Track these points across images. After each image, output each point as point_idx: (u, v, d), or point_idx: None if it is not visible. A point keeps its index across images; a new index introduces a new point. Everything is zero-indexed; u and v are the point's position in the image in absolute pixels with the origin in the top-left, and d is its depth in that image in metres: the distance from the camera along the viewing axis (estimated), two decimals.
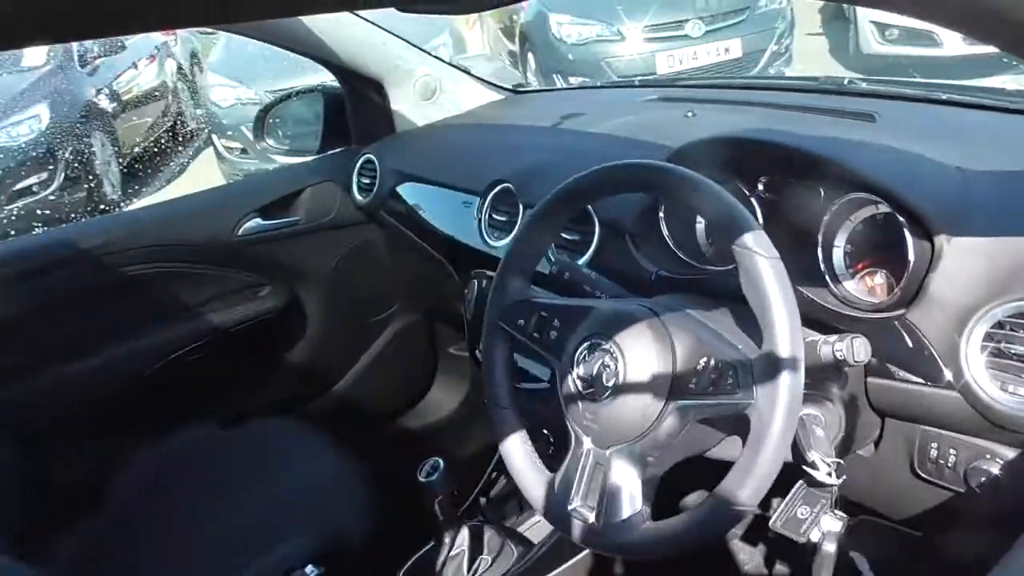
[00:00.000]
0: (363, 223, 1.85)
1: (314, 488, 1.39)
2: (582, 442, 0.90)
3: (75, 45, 5.52)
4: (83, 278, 1.60)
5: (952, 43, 5.31)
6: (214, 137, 5.77)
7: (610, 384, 0.85)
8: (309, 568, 1.15)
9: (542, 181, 1.31)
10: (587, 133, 1.43)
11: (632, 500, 0.85)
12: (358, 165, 1.81)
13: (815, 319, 0.92)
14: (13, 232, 4.95)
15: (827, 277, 0.95)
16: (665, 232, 1.12)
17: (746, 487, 0.73)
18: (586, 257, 1.17)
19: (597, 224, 1.17)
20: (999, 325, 0.81)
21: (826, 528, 0.84)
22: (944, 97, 1.28)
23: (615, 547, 0.85)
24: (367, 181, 1.79)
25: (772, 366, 0.73)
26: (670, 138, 1.27)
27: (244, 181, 1.75)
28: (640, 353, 0.84)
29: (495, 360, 1.01)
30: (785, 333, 0.73)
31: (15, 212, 5.01)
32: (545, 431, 1.19)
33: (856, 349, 0.78)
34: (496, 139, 1.61)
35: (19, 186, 5.06)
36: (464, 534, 1.28)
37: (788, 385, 0.72)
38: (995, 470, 0.86)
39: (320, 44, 1.66)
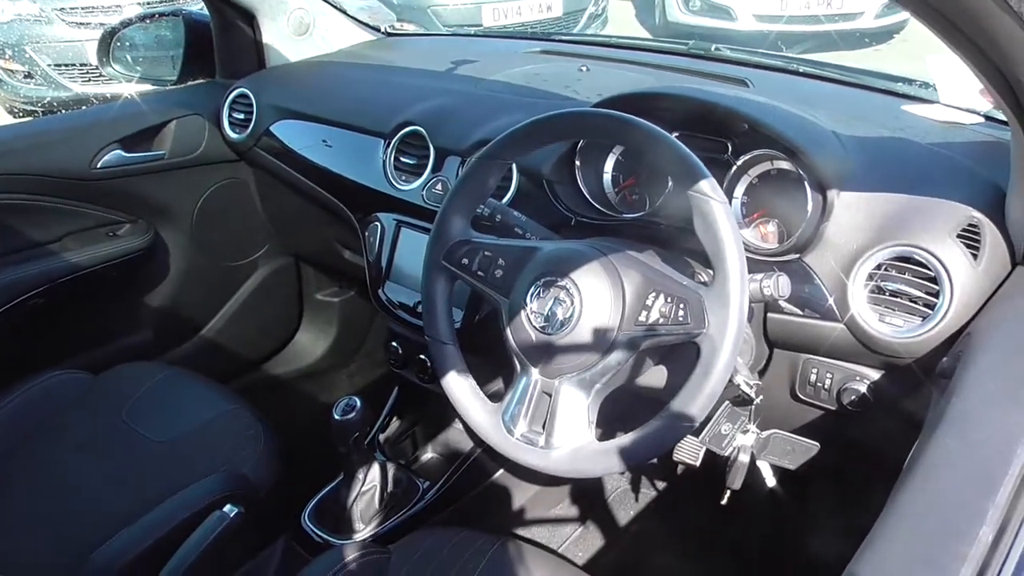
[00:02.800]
0: (232, 160, 1.77)
1: (207, 431, 1.35)
2: (530, 372, 0.97)
3: None
4: None
5: (745, 19, 5.85)
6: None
7: (566, 318, 0.93)
8: (228, 507, 1.13)
9: (454, 125, 1.34)
10: (488, 80, 1.47)
11: (579, 424, 0.93)
12: (230, 99, 1.73)
13: None
14: None
15: None
16: (580, 180, 1.20)
17: (696, 403, 0.84)
18: (505, 200, 1.23)
19: (515, 170, 1.23)
20: (879, 267, 0.98)
21: (742, 442, 0.98)
22: (801, 70, 1.46)
23: (563, 468, 0.93)
24: (240, 116, 1.71)
25: (723, 299, 0.84)
26: (574, 90, 1.35)
27: (102, 109, 1.58)
28: (594, 289, 0.92)
29: (436, 297, 1.05)
30: (736, 269, 0.84)
31: None
32: None
33: (781, 285, 0.91)
34: (389, 80, 1.60)
35: None
36: (375, 470, 1.31)
37: (737, 315, 0.83)
38: (863, 389, 1.03)
39: None
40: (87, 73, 4.78)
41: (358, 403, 1.23)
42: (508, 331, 0.98)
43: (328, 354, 2.05)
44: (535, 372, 0.96)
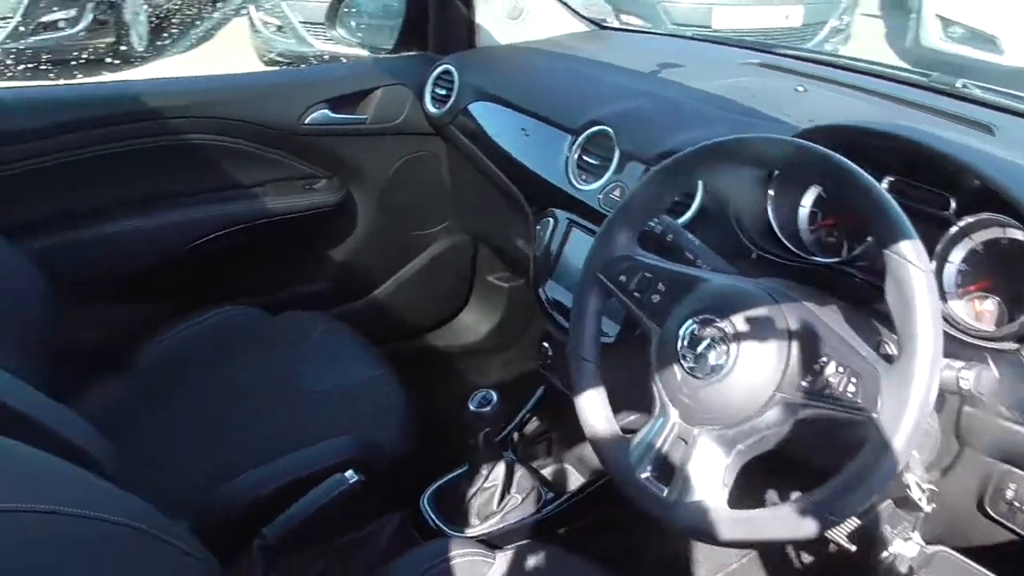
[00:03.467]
0: (429, 134, 1.80)
1: (353, 392, 1.38)
2: (668, 414, 0.89)
3: None
4: (141, 136, 1.55)
5: (1014, 52, 5.20)
6: (251, 9, 5.57)
7: (718, 365, 0.84)
8: (349, 473, 1.14)
9: (644, 130, 1.27)
10: (692, 88, 1.38)
11: (712, 483, 0.84)
12: (435, 74, 1.75)
13: None
14: (29, 65, 4.81)
15: None
16: (771, 212, 1.09)
17: (851, 496, 0.73)
18: (682, 220, 1.14)
19: (700, 189, 1.14)
20: None
21: (900, 551, 0.85)
22: None
23: (686, 526, 0.84)
24: (442, 92, 1.73)
25: (904, 382, 0.72)
26: (786, 112, 1.23)
27: (316, 69, 1.68)
28: (757, 340, 0.82)
29: (587, 311, 0.99)
30: (928, 352, 0.71)
31: (38, 44, 4.85)
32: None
33: (983, 380, 0.77)
34: (590, 75, 1.55)
35: (45, 19, 4.88)
36: (501, 468, 1.28)
37: (919, 403, 0.71)
38: None
39: None
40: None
41: (494, 397, 1.21)
42: (654, 363, 0.91)
43: (488, 337, 2.05)
44: (674, 414, 0.88)
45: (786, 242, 1.08)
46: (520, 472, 1.34)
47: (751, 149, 0.88)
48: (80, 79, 4.76)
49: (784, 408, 0.80)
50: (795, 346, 0.81)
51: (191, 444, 1.27)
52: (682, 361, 0.87)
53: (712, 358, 0.84)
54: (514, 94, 1.58)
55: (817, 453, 0.86)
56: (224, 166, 1.66)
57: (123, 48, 5.23)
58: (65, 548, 0.76)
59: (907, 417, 0.71)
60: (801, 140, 0.86)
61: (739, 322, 0.83)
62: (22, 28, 4.71)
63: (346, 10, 1.99)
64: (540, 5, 1.85)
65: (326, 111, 1.71)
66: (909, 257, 0.73)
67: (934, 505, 0.81)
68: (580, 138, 1.35)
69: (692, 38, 1.96)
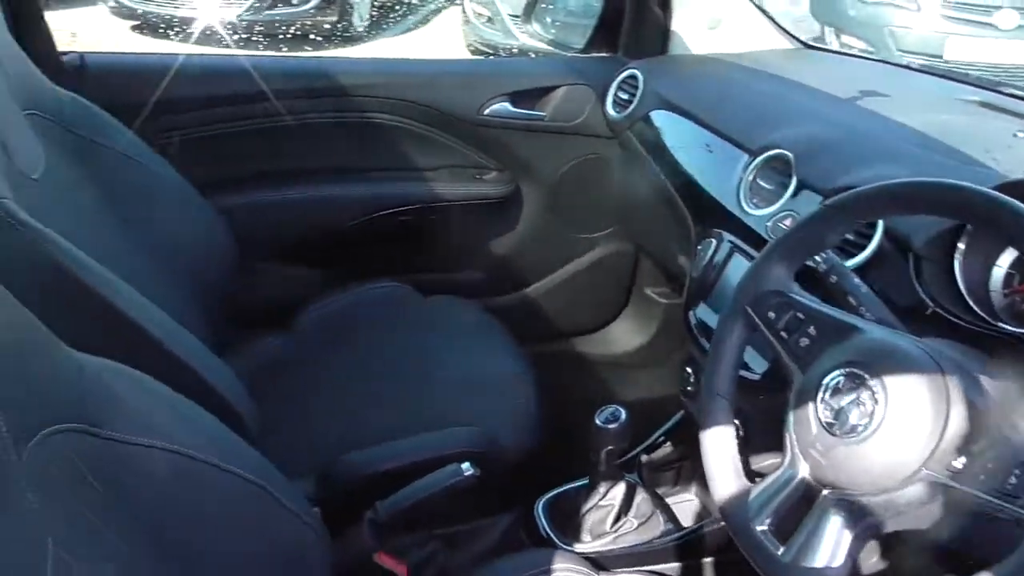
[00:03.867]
0: (606, 137, 1.77)
1: (487, 384, 1.39)
2: (797, 467, 0.81)
3: None
4: (329, 111, 1.64)
5: None
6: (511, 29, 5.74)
7: (859, 425, 0.75)
8: (466, 465, 1.15)
9: (827, 159, 1.18)
10: (893, 121, 1.26)
11: (835, 551, 0.76)
12: (620, 78, 1.72)
13: None
14: (261, 37, 5.24)
15: None
16: (957, 267, 0.97)
17: None
18: (854, 261, 1.04)
19: (880, 231, 1.03)
20: None
21: None
22: None
23: None
24: (624, 96, 1.70)
25: None
26: (996, 158, 1.10)
27: (501, 62, 1.72)
28: (907, 406, 0.73)
29: (727, 344, 0.93)
30: None
31: (271, 17, 5.27)
32: (737, 422, 1.11)
33: None
34: (781, 94, 1.46)
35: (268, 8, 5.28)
36: (620, 489, 1.24)
37: None
38: None
39: None
40: None
41: (623, 415, 1.17)
42: (790, 410, 0.84)
43: (636, 352, 1.99)
44: (804, 469, 0.81)
45: (972, 303, 0.96)
46: (641, 496, 1.29)
47: (937, 196, 0.79)
48: (307, 52, 5.14)
49: (929, 487, 0.71)
50: (954, 422, 0.71)
51: (324, 411, 1.33)
52: (820, 414, 0.79)
53: (854, 417, 0.76)
54: (697, 106, 1.52)
55: (960, 540, 0.75)
56: (402, 147, 1.71)
57: (344, 26, 5.57)
58: (189, 490, 0.81)
59: None
60: (1002, 195, 0.75)
61: (891, 383, 0.75)
62: (259, 2, 5.14)
63: (543, 6, 2.00)
64: (741, 17, 1.77)
65: (506, 104, 1.72)
66: None
67: None
68: (757, 160, 1.27)
69: (907, 67, 1.80)
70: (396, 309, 1.60)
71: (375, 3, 6.10)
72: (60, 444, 0.68)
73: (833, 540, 0.77)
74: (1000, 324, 0.91)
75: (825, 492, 0.78)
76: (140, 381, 0.81)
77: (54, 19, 1.50)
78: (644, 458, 1.40)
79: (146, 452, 0.76)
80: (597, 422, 1.17)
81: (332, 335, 1.54)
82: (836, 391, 0.78)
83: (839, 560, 0.76)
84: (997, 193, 0.76)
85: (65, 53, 1.49)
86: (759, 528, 0.82)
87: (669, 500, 1.38)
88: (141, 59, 1.62)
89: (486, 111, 1.71)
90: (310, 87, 1.61)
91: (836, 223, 0.88)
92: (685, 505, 1.39)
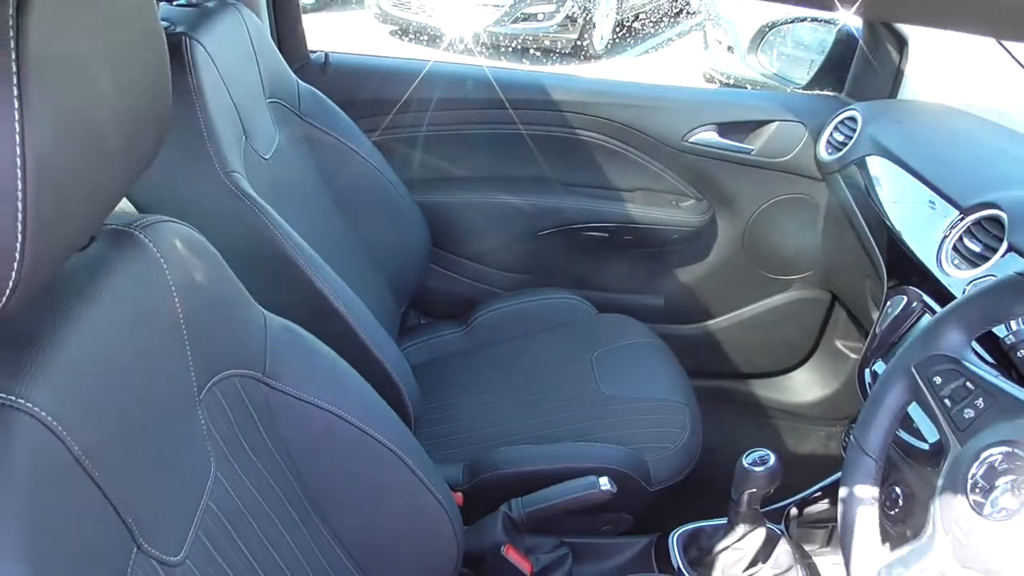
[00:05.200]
0: (814, 179, 1.71)
1: (646, 408, 1.40)
2: (935, 543, 0.76)
3: None
4: (537, 124, 1.72)
5: None
6: (708, 25, 5.72)
7: (1008, 507, 0.69)
8: (604, 480, 1.17)
9: None
10: None
11: None
12: (838, 118, 1.65)
13: None
14: (510, 48, 5.51)
15: None
16: None
17: None
18: None
19: None
20: None
21: None
22: None
23: None
24: (839, 138, 1.62)
25: None
26: None
27: (715, 91, 1.70)
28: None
29: (886, 404, 0.88)
30: None
31: (516, 32, 5.55)
32: (897, 489, 1.03)
33: None
34: (1012, 152, 1.34)
35: (527, 11, 5.57)
36: (758, 536, 1.20)
37: None
38: None
39: None
40: None
41: (771, 460, 1.13)
42: (940, 482, 0.78)
43: (815, 404, 1.89)
44: (943, 546, 0.75)
45: None
46: (782, 548, 1.23)
47: None
48: (547, 66, 5.36)
49: None
50: None
51: (481, 405, 1.40)
52: (970, 490, 0.73)
53: (1005, 499, 0.70)
54: (913, 155, 1.42)
55: None
56: (603, 165, 1.76)
57: (585, 45, 5.73)
58: (336, 448, 0.90)
59: None
60: None
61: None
62: (506, 16, 5.43)
63: (771, 39, 1.96)
64: (990, 64, 1.63)
65: (713, 134, 1.71)
66: None
67: None
68: (967, 219, 1.18)
69: None
70: (569, 319, 1.64)
71: (618, 24, 6.22)
72: (236, 386, 0.80)
73: None
74: None
75: (961, 569, 0.72)
76: (312, 344, 0.92)
77: (326, 20, 1.71)
78: (794, 511, 1.34)
79: (305, 407, 0.87)
80: (743, 462, 1.14)
81: (503, 335, 1.62)
82: (992, 469, 0.72)
83: None
84: None
85: (313, 52, 1.69)
86: None
87: (815, 559, 1.31)
88: (373, 61, 1.79)
89: (692, 139, 1.71)
90: (521, 99, 1.69)
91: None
92: (833, 568, 1.31)
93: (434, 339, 1.62)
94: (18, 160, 0.45)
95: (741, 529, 1.19)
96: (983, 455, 0.74)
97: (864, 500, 0.86)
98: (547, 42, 5.61)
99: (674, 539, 1.29)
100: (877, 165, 1.51)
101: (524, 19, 5.49)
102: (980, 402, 0.79)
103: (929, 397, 0.84)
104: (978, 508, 0.72)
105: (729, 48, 5.39)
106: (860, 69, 1.71)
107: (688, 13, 7.10)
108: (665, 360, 1.55)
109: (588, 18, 5.78)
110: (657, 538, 1.30)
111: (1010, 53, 1.62)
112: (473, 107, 1.67)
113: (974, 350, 0.85)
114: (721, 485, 1.26)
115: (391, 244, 1.57)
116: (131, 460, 0.63)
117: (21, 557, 0.47)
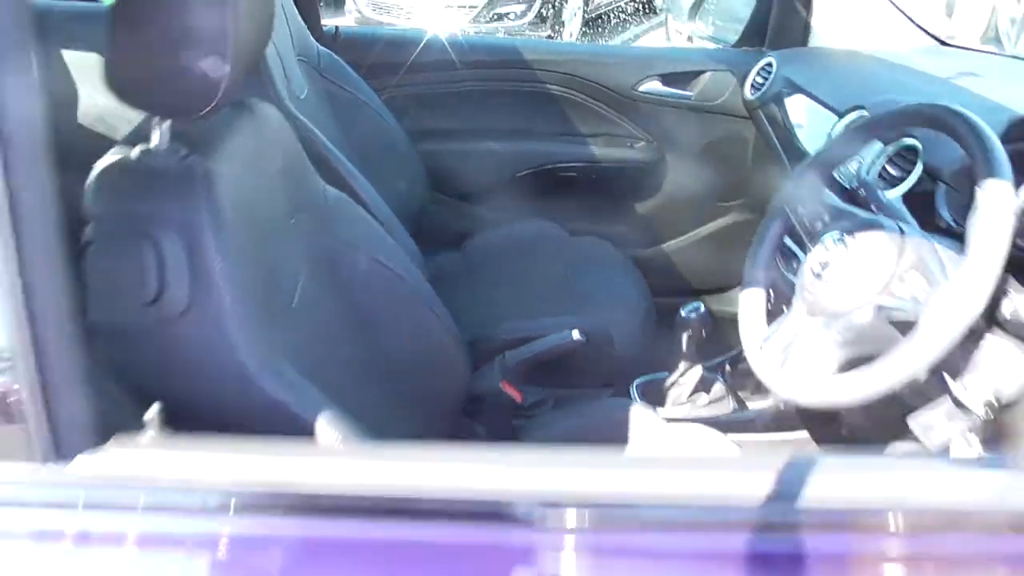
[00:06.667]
0: (743, 117, 2.06)
1: (613, 299, 1.74)
2: (795, 307, 1.10)
3: None
4: (515, 80, 2.07)
5: None
6: (669, 18, 6.11)
7: (839, 270, 1.04)
8: (576, 332, 1.49)
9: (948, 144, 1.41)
10: (967, 90, 1.47)
11: (825, 360, 1.04)
12: (759, 65, 2.01)
13: None
14: None
15: None
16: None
17: (890, 371, 0.90)
18: (900, 189, 1.28)
19: (920, 164, 1.28)
20: None
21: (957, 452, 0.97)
22: None
23: (803, 392, 1.04)
24: (760, 80, 1.98)
25: (961, 289, 0.87)
26: None
27: (658, 49, 2.03)
28: (870, 254, 1.01)
29: (770, 232, 1.23)
30: (977, 278, 0.86)
31: (490, 30, 5.90)
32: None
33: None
34: (887, 76, 1.70)
35: (500, 10, 5.91)
36: (696, 372, 1.54)
37: (961, 313, 0.86)
38: None
39: None
40: None
41: (702, 308, 1.47)
42: (801, 272, 1.13)
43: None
44: (800, 309, 1.10)
45: None
46: (718, 385, 1.57)
47: (916, 112, 1.06)
48: None
49: (876, 308, 0.98)
50: (901, 264, 0.98)
51: (476, 306, 1.74)
52: (813, 266, 1.08)
53: (835, 264, 1.04)
54: (821, 90, 1.78)
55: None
56: (568, 115, 2.10)
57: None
58: (380, 285, 1.24)
59: (952, 316, 0.87)
60: (960, 108, 1.01)
61: (866, 239, 1.02)
62: (480, 16, 5.79)
63: (707, 6, 2.32)
64: (879, 16, 2.00)
65: (658, 83, 2.07)
66: (993, 194, 0.88)
67: (990, 415, 0.92)
68: (843, 120, 1.53)
69: None
70: (548, 242, 1.98)
71: (586, 22, 6.59)
72: (304, 221, 1.13)
73: (823, 352, 1.05)
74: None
75: (813, 320, 1.06)
76: (358, 211, 1.25)
77: None
78: (728, 367, 1.68)
79: (355, 254, 1.20)
80: (681, 313, 1.49)
81: (493, 256, 1.95)
82: (826, 248, 1.07)
83: (828, 366, 1.04)
84: (958, 108, 1.01)
85: (324, 25, 2.03)
86: (765, 351, 1.12)
87: (748, 403, 1.65)
88: (376, 30, 2.13)
89: (640, 88, 2.07)
90: (500, 60, 2.04)
91: (861, 137, 1.16)
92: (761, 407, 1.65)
93: (434, 263, 1.94)
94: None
95: (683, 366, 1.54)
96: (824, 239, 1.08)
97: (756, 299, 1.21)
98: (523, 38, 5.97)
99: (634, 386, 1.63)
100: (790, 99, 1.86)
101: (497, 19, 5.85)
102: (826, 216, 1.14)
103: (796, 222, 1.19)
104: (819, 275, 1.06)
105: (689, 38, 5.78)
106: (776, 25, 2.07)
107: (652, 9, 7.48)
108: (632, 272, 1.89)
109: (557, 17, 6.15)
110: (622, 388, 1.64)
111: (894, 4, 1.99)
112: (461, 68, 2.02)
113: (829, 190, 1.20)
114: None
115: (395, 184, 1.91)
116: (255, 250, 0.95)
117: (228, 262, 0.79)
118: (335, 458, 0.70)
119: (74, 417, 0.57)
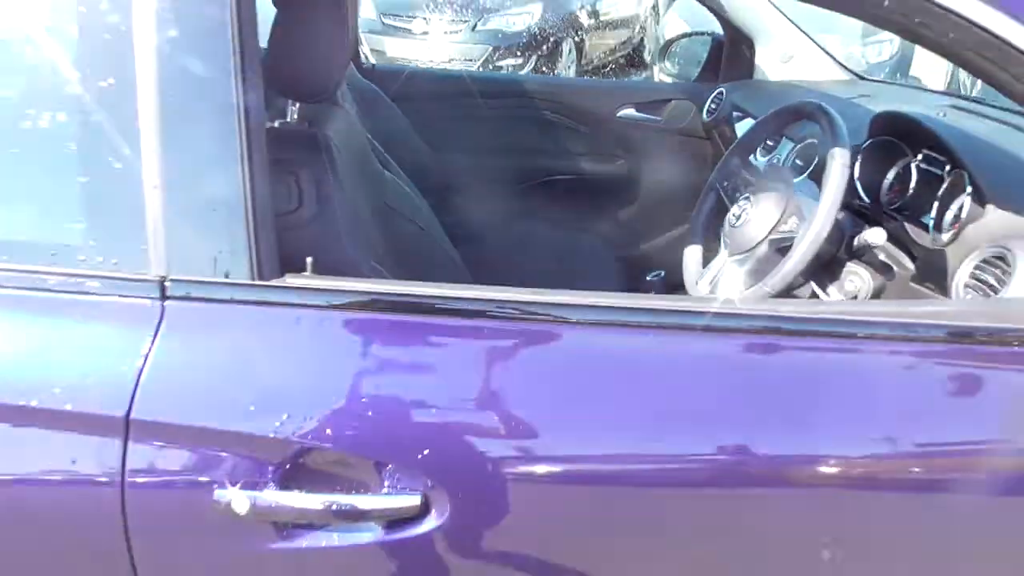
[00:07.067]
0: (703, 137, 2.54)
1: (588, 267, 2.18)
2: (718, 251, 1.55)
3: None
4: (514, 107, 2.55)
5: None
6: (656, 69, 6.67)
7: (746, 219, 1.48)
8: None
9: None
10: (855, 103, 1.95)
11: (738, 285, 1.48)
12: (713, 94, 2.49)
13: None
14: None
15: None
16: (856, 171, 1.66)
17: (789, 271, 1.34)
18: (808, 170, 1.73)
19: (817, 157, 1.74)
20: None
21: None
22: None
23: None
24: (713, 106, 2.46)
25: (814, 225, 1.32)
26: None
27: (633, 82, 2.49)
28: (767, 206, 1.46)
29: (705, 208, 1.68)
30: (824, 212, 1.30)
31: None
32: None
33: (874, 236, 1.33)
34: (808, 95, 2.17)
35: (497, 64, 6.44)
36: None
37: (816, 236, 1.30)
38: None
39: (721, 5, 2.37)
40: None
41: (662, 274, 1.92)
42: (723, 224, 1.57)
43: None
44: (723, 252, 1.54)
45: (861, 191, 1.64)
46: None
47: (799, 108, 1.52)
48: None
49: (768, 244, 1.43)
50: (787, 212, 1.43)
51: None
52: (731, 220, 1.52)
53: (743, 216, 1.49)
54: (761, 111, 2.24)
55: None
56: (562, 136, 2.58)
57: None
58: (420, 243, 1.67)
59: (810, 237, 1.31)
60: (817, 102, 1.48)
61: (764, 195, 1.47)
62: (487, 62, 6.34)
63: (672, 50, 2.82)
64: (807, 55, 2.49)
65: (633, 110, 2.55)
66: (837, 156, 1.33)
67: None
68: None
69: (925, 89, 2.42)
70: (542, 235, 2.43)
71: (581, 74, 7.17)
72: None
73: (735, 279, 1.49)
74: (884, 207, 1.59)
75: (732, 259, 1.51)
76: (402, 186, 1.70)
77: None
78: None
79: (404, 221, 1.64)
80: (647, 277, 1.93)
81: (493, 246, 2.39)
82: (739, 207, 1.52)
83: (739, 288, 1.47)
84: (821, 104, 1.47)
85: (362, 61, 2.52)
86: (701, 286, 1.56)
87: None
88: (402, 67, 2.61)
89: (619, 114, 2.54)
90: (505, 91, 2.52)
91: (762, 131, 1.62)
92: None
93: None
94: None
95: None
96: (739, 200, 1.53)
97: (693, 251, 1.65)
98: None
99: None
100: (738, 122, 2.34)
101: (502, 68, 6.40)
102: (742, 186, 1.59)
103: (723, 195, 1.64)
104: (734, 225, 1.51)
105: (659, 75, 6.33)
106: (728, 63, 2.56)
107: (641, 63, 8.07)
108: (609, 260, 2.34)
109: (551, 71, 6.69)
110: None
111: (816, 43, 2.48)
112: (474, 98, 2.50)
113: (751, 164, 1.66)
114: None
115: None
116: (352, 187, 1.38)
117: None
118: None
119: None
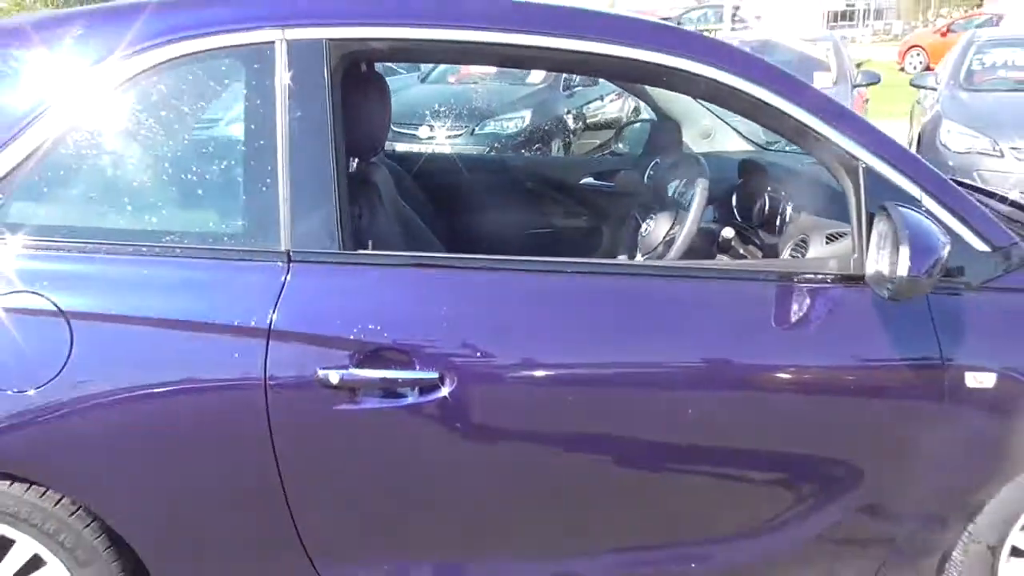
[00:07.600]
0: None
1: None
2: (636, 254, 2.28)
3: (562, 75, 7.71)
4: (504, 179, 3.32)
5: None
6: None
7: (648, 228, 2.21)
8: None
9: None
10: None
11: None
12: (650, 165, 3.26)
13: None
14: None
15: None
16: (734, 200, 2.40)
17: (677, 245, 2.05)
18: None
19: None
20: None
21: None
22: None
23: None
24: (651, 173, 3.23)
25: (685, 228, 2.05)
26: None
27: (593, 157, 3.24)
28: (662, 221, 2.19)
29: (631, 225, 2.42)
30: (692, 217, 2.03)
31: None
32: None
33: (727, 232, 2.05)
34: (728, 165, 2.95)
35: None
36: None
37: (686, 234, 2.03)
38: None
39: (655, 95, 3.18)
40: None
41: None
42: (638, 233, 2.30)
43: None
44: (639, 253, 2.26)
45: (738, 216, 2.38)
46: None
47: (679, 159, 2.28)
48: None
49: (664, 244, 2.15)
50: (674, 225, 2.15)
51: None
52: (643, 230, 2.25)
53: (648, 227, 2.22)
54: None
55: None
56: (539, 200, 3.34)
57: None
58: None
59: (683, 235, 2.04)
60: (693, 154, 2.23)
61: (660, 214, 2.20)
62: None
63: (624, 134, 3.63)
64: (724, 134, 3.28)
65: (591, 179, 3.32)
66: (699, 186, 2.07)
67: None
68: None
69: None
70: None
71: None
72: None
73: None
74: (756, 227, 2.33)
75: (640, 256, 2.23)
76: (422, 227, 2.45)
77: None
78: None
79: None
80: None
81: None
82: (648, 223, 2.25)
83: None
84: (695, 154, 2.23)
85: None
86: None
87: None
88: (412, 152, 3.41)
89: (582, 181, 3.31)
90: (492, 167, 3.30)
91: (664, 171, 2.38)
92: None
93: None
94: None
95: None
96: (647, 219, 2.26)
97: (622, 257, 2.38)
98: None
99: None
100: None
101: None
102: (648, 212, 2.33)
103: (638, 217, 2.37)
104: (643, 233, 2.24)
105: (612, 152, 7.19)
106: (655, 142, 3.35)
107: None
108: None
109: (545, 145, 7.46)
110: None
111: (728, 123, 3.28)
112: (470, 173, 3.28)
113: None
114: None
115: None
116: (395, 215, 2.12)
117: None
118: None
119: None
